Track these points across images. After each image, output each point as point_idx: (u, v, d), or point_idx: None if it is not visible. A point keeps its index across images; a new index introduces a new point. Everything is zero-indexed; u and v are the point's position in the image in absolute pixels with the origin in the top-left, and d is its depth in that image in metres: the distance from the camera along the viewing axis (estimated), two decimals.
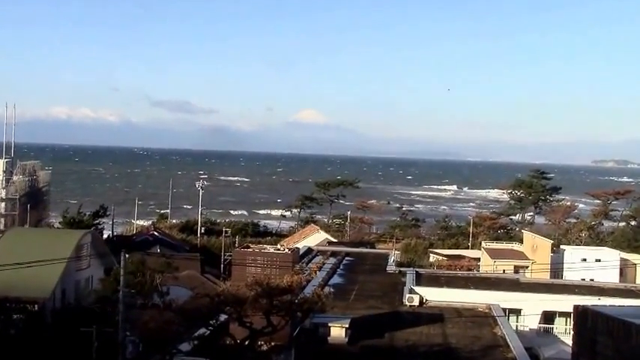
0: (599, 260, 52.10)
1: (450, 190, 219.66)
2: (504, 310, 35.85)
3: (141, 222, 79.70)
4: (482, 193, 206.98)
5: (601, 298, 37.08)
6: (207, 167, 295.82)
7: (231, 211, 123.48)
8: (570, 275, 50.35)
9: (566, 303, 34.99)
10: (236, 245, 56.51)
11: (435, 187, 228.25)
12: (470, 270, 57.10)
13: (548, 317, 38.89)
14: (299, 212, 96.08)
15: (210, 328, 24.36)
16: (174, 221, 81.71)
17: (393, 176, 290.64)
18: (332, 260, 50.59)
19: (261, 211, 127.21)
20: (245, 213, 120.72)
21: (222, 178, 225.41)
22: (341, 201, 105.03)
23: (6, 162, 61.74)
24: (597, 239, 74.73)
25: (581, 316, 22.72)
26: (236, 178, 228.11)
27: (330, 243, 65.54)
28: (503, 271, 52.97)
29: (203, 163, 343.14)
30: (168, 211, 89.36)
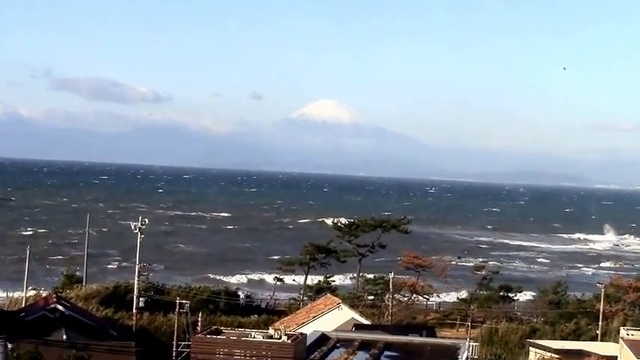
0: None
1: (574, 240, 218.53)
2: None
3: (37, 289, 79.80)
4: (622, 241, 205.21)
5: None
6: (156, 195, 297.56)
7: (193, 275, 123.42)
8: None
9: None
10: (198, 328, 56.39)
11: (551, 235, 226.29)
12: None
13: None
14: (306, 273, 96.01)
15: None
16: (93, 287, 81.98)
17: (472, 212, 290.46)
18: (362, 356, 50.60)
19: (245, 272, 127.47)
20: (217, 277, 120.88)
21: (182, 213, 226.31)
22: (378, 257, 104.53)
23: None
24: None
25: None
26: (207, 215, 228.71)
27: (358, 327, 65.38)
28: None
29: (150, 190, 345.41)
30: (84, 269, 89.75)
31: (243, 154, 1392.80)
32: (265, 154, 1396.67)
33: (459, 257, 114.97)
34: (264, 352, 40.87)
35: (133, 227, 71.45)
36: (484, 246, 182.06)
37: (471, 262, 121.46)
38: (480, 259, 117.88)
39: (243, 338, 42.73)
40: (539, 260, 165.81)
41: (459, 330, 78.67)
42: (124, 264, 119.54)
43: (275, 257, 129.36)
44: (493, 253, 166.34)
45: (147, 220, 72.56)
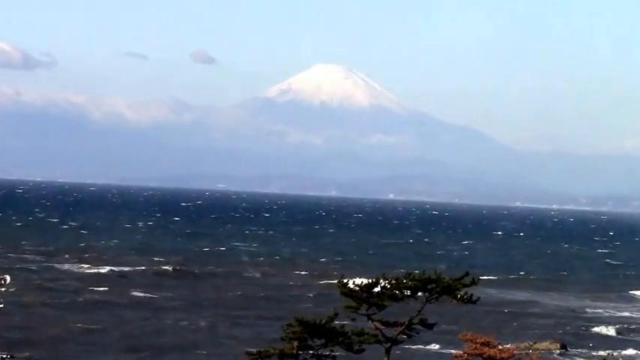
0: None
1: None
2: None
3: None
4: None
5: None
6: (32, 232, 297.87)
7: None
8: None
9: None
10: None
11: None
12: None
13: None
14: None
15: None
16: None
17: (592, 265, 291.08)
18: None
19: None
20: None
21: (80, 267, 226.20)
22: (419, 343, 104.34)
23: None
24: None
25: None
26: (128, 269, 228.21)
27: None
28: None
29: (23, 224, 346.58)
30: None
31: (184, 162, 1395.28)
32: (223, 163, 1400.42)
33: (565, 347, 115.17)
34: None
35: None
36: (612, 326, 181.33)
37: (585, 353, 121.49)
38: (605, 352, 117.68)
39: None
40: None
41: None
42: None
43: (247, 348, 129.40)
44: (629, 338, 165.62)
45: (8, 277, 72.41)
